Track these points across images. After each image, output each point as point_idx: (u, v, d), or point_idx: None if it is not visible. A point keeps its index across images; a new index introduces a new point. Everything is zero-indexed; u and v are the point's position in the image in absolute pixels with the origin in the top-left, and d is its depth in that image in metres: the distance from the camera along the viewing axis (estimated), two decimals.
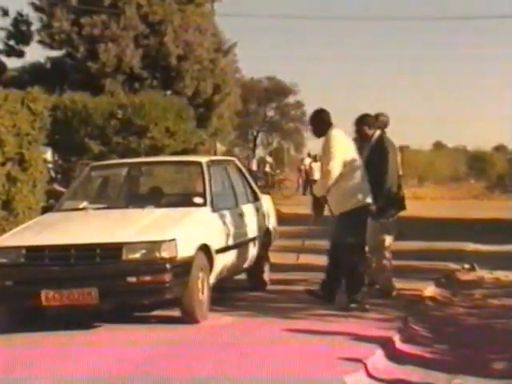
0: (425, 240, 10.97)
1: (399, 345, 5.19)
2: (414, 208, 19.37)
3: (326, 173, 6.27)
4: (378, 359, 4.73)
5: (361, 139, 6.79)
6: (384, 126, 6.98)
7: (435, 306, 6.73)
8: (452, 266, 8.90)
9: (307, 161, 26.19)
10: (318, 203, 6.46)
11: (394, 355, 4.93)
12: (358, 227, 6.23)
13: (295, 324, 5.76)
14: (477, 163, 33.67)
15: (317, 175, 23.34)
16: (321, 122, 6.44)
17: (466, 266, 8.94)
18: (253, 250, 6.87)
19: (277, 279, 7.54)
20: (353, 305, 6.17)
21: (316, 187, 6.59)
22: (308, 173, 24.89)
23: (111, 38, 18.19)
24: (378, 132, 6.82)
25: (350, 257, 6.18)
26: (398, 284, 7.09)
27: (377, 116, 6.97)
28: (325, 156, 6.33)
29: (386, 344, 5.05)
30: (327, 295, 6.41)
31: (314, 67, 58.34)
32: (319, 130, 6.44)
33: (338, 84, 61.55)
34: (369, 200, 6.31)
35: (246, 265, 6.85)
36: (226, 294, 6.78)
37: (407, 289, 7.16)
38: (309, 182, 23.94)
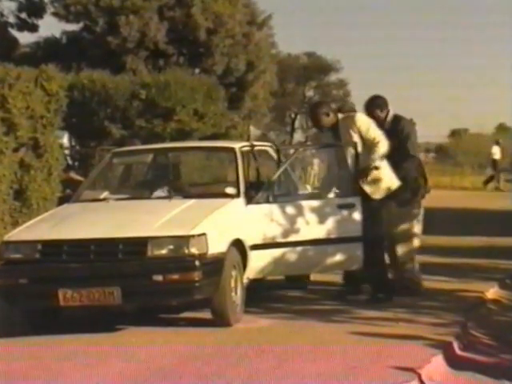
0: (486, 235, 10.86)
1: (457, 353, 5.16)
2: (472, 199, 19.26)
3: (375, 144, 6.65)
4: (433, 368, 4.71)
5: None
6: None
7: (499, 310, 6.65)
8: None
9: (496, 149, 24.36)
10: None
11: (452, 364, 4.90)
12: (381, 217, 6.67)
13: (339, 328, 5.77)
14: None
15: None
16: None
17: None
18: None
19: (317, 279, 7.54)
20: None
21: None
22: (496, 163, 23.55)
23: (132, 9, 18.32)
24: (391, 113, 7.04)
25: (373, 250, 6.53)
26: (456, 285, 7.06)
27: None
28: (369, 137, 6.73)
29: (442, 352, 5.03)
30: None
31: (359, 41, 58.04)
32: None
33: (384, 60, 61.21)
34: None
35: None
36: (261, 294, 6.80)
37: (466, 290, 7.11)
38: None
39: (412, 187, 6.95)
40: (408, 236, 6.95)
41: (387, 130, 7.01)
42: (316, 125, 7.06)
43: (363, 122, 6.80)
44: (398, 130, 6.98)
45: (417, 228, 7.02)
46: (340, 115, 6.97)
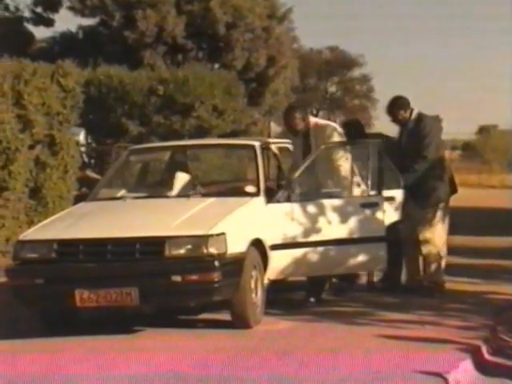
0: None
1: (486, 357, 5.12)
2: (501, 198, 19.10)
3: None
4: (460, 373, 4.68)
5: (399, 125, 7.14)
6: None
7: None
8: None
9: None
10: None
11: (480, 369, 4.86)
12: None
13: (361, 331, 5.76)
14: None
15: None
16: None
17: None
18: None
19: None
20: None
21: None
22: None
23: (150, 3, 18.36)
24: (415, 111, 7.07)
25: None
26: (484, 286, 7.01)
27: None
28: None
29: (470, 356, 4.99)
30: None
31: (383, 34, 57.76)
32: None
33: (409, 54, 60.87)
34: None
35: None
36: (281, 295, 6.79)
37: (495, 292, 7.06)
38: None
39: (427, 189, 6.92)
40: (429, 240, 6.94)
41: (410, 130, 7.01)
42: (290, 129, 6.86)
43: (333, 136, 6.78)
44: (418, 130, 6.97)
45: (439, 231, 6.99)
46: (313, 120, 6.90)
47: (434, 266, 6.99)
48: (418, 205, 6.91)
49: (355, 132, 7.32)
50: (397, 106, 7.07)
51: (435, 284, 7.01)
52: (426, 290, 6.98)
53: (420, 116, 7.07)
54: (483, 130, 39.64)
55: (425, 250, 6.96)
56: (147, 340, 5.68)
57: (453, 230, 7.37)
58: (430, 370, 4.63)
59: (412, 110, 7.07)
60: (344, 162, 6.75)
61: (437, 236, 6.97)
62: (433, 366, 4.71)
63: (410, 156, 6.92)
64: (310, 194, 6.72)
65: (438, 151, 7.11)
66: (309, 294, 6.74)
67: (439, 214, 6.98)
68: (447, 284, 7.10)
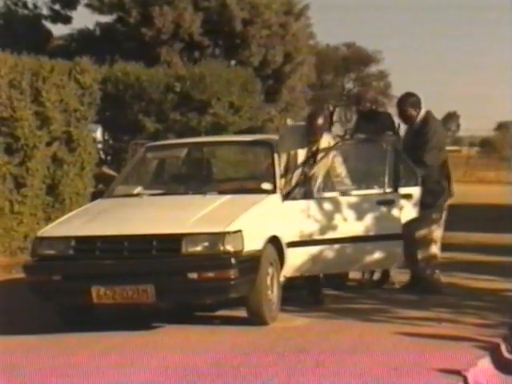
0: None
1: (505, 355, 5.08)
2: None
3: None
4: (479, 371, 4.65)
5: (405, 122, 7.14)
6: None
7: None
8: None
9: None
10: None
11: (499, 367, 4.83)
12: None
13: (378, 328, 5.74)
14: None
15: None
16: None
17: None
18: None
19: (354, 277, 7.50)
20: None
21: None
22: None
23: (167, 0, 18.37)
24: (423, 111, 7.02)
25: None
26: (502, 284, 6.95)
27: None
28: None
29: (489, 354, 4.96)
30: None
31: (400, 29, 57.44)
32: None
33: (427, 49, 60.52)
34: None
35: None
36: (297, 293, 6.78)
37: None
38: None
39: (432, 190, 6.87)
40: (427, 241, 6.91)
41: (415, 130, 6.98)
42: (311, 132, 6.64)
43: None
44: (422, 132, 6.93)
45: (436, 233, 6.96)
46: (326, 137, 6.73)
47: (429, 264, 6.92)
48: (422, 205, 6.82)
49: (367, 115, 7.39)
50: (408, 103, 7.05)
51: (434, 281, 6.93)
52: (432, 288, 6.90)
53: (426, 117, 7.02)
54: (501, 127, 39.44)
55: (423, 249, 6.89)
56: (164, 336, 5.70)
57: (471, 227, 7.33)
58: (449, 368, 4.60)
59: (420, 110, 7.02)
60: (357, 161, 6.74)
61: (434, 236, 6.92)
62: (451, 364, 4.68)
63: (413, 156, 6.84)
64: (326, 191, 6.70)
65: (441, 154, 7.05)
66: (310, 293, 6.71)
67: (438, 215, 6.94)
68: (464, 281, 7.07)
